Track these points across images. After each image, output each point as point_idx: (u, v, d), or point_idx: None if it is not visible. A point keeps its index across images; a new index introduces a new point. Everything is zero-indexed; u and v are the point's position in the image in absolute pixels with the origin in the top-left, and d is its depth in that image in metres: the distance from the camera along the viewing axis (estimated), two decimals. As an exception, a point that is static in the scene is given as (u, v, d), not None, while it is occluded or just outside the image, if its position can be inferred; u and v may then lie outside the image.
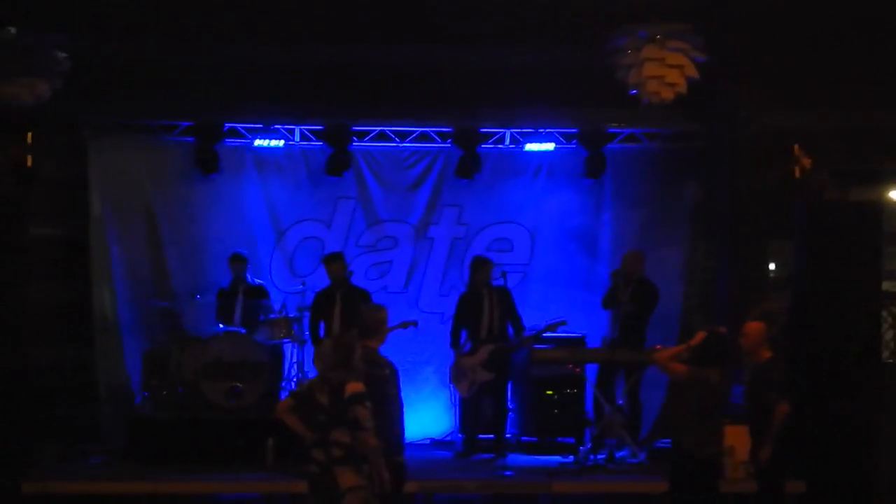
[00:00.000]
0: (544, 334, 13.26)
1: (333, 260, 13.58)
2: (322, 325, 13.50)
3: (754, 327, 10.19)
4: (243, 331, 13.58)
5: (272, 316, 13.80)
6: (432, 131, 14.78)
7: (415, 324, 13.11)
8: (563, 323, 13.16)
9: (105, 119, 14.20)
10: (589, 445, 13.01)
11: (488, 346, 13.17)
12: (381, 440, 8.72)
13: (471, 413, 13.46)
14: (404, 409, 9.50)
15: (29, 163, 12.88)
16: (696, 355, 9.64)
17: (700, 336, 9.71)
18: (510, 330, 13.47)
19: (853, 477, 11.84)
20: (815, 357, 12.09)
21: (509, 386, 13.70)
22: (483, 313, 13.32)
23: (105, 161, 14.35)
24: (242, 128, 14.52)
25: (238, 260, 14.04)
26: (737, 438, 10.93)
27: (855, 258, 12.10)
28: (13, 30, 12.02)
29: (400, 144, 14.85)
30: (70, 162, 14.18)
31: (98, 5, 12.54)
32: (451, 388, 13.47)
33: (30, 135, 12.95)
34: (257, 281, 14.22)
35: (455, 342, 13.36)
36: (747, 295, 13.28)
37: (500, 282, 13.51)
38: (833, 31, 12.61)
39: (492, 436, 13.37)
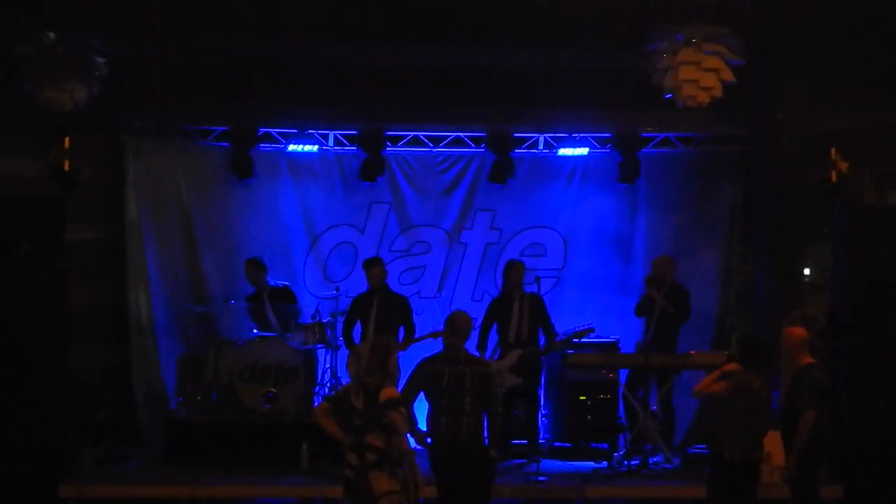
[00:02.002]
0: (574, 340, 13.20)
1: (374, 265, 13.57)
2: (356, 329, 13.51)
3: (794, 332, 10.13)
4: (277, 335, 13.60)
5: (306, 321, 13.82)
6: (466, 136, 14.78)
7: (444, 333, 13.08)
8: (591, 330, 13.10)
9: (142, 123, 14.26)
10: (623, 451, 12.97)
11: (517, 351, 13.12)
12: (474, 433, 9.12)
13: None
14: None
15: (67, 167, 12.94)
16: (739, 360, 9.64)
17: (731, 366, 9.69)
18: (542, 337, 13.42)
19: (893, 481, 11.75)
20: (853, 361, 12.01)
21: (542, 391, 13.66)
22: (512, 318, 13.30)
23: (142, 165, 14.43)
24: (277, 133, 14.56)
25: (253, 266, 14.00)
26: (772, 443, 10.84)
27: (892, 261, 12.01)
28: (52, 34, 12.09)
29: (433, 149, 14.85)
30: (107, 166, 14.26)
31: (135, 10, 12.60)
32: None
33: (68, 139, 13.01)
34: (280, 283, 14.19)
35: (482, 345, 13.27)
36: (785, 299, 13.22)
37: (534, 287, 13.48)
38: (871, 34, 12.53)
39: (524, 441, 13.33)
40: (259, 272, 13.98)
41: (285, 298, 14.05)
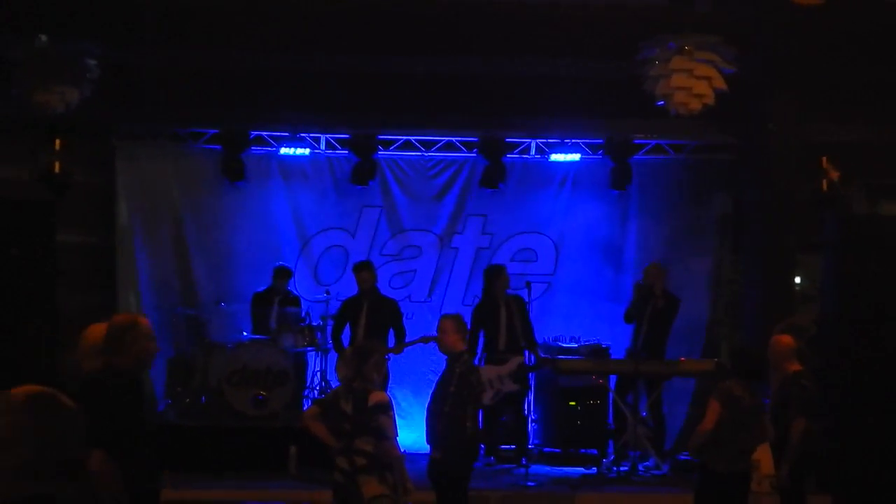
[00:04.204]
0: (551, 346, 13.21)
1: (363, 268, 13.55)
2: (346, 333, 13.49)
3: (782, 340, 10.14)
4: (268, 338, 13.58)
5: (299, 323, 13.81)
6: (458, 141, 14.78)
7: (436, 338, 13.06)
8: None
9: (133, 127, 14.26)
10: (612, 457, 12.97)
11: (518, 358, 13.08)
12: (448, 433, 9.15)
13: (493, 423, 13.42)
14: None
15: (57, 170, 12.92)
16: (729, 369, 9.64)
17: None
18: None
19: (881, 493, 11.76)
20: (842, 371, 12.03)
21: (532, 396, 13.67)
22: (501, 323, 13.26)
23: (132, 169, 14.41)
24: (269, 136, 14.55)
25: (284, 273, 14.03)
26: (761, 452, 10.85)
27: (883, 272, 12.03)
28: (45, 38, 12.08)
29: (425, 153, 14.86)
30: (98, 169, 14.25)
31: (127, 14, 12.61)
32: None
33: (58, 142, 12.98)
34: (293, 293, 14.23)
35: (472, 352, 13.16)
36: (774, 308, 13.23)
37: (524, 292, 13.46)
38: (863, 45, 12.57)
39: (513, 446, 13.33)
40: (287, 279, 14.06)
41: (294, 306, 14.06)
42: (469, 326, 13.02)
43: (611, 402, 13.56)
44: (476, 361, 12.99)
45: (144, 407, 7.04)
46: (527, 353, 13.32)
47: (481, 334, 13.29)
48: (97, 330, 7.27)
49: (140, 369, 7.03)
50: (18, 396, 3.44)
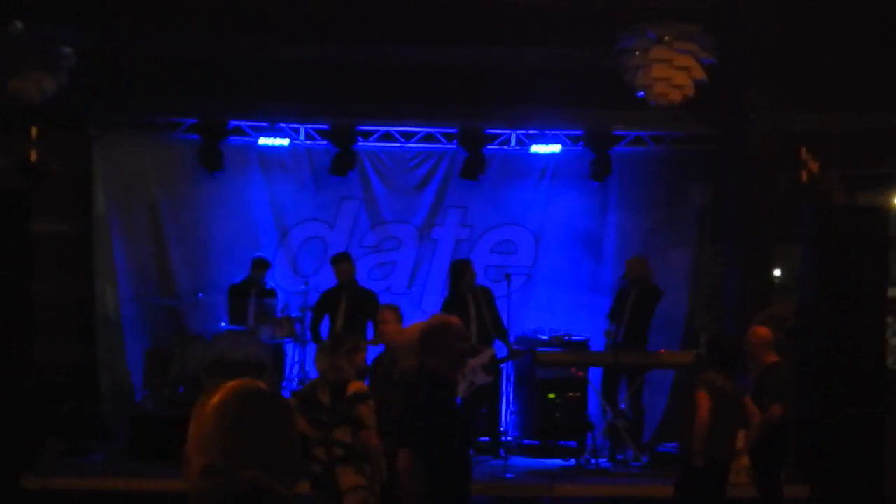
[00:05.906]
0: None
1: (341, 260, 13.53)
2: (325, 324, 13.45)
3: (758, 332, 10.20)
4: (246, 329, 13.54)
5: (275, 315, 13.76)
6: (438, 132, 14.74)
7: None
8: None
9: (110, 116, 14.17)
10: (591, 449, 12.96)
11: (490, 350, 13.07)
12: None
13: (472, 415, 13.38)
14: None
15: (34, 159, 12.83)
16: (707, 360, 9.66)
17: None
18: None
19: (859, 482, 11.80)
20: (820, 362, 12.04)
21: (511, 388, 13.65)
22: (471, 317, 13.20)
23: (110, 158, 14.32)
24: (247, 126, 14.47)
25: (262, 264, 13.97)
26: (739, 442, 10.89)
27: (861, 263, 12.05)
28: (20, 24, 11.98)
29: (405, 145, 14.81)
30: (75, 158, 14.16)
31: (104, 2, 12.52)
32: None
33: (35, 130, 12.89)
34: (270, 284, 14.17)
35: None
36: (754, 299, 13.24)
37: (504, 284, 13.44)
38: (842, 34, 12.57)
39: (487, 438, 13.30)
40: (265, 270, 13.97)
41: (270, 297, 13.99)
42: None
43: (590, 394, 13.55)
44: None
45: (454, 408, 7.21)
46: (499, 344, 13.29)
47: None
48: (413, 328, 7.66)
49: (452, 370, 7.08)
50: (222, 393, 3.36)
